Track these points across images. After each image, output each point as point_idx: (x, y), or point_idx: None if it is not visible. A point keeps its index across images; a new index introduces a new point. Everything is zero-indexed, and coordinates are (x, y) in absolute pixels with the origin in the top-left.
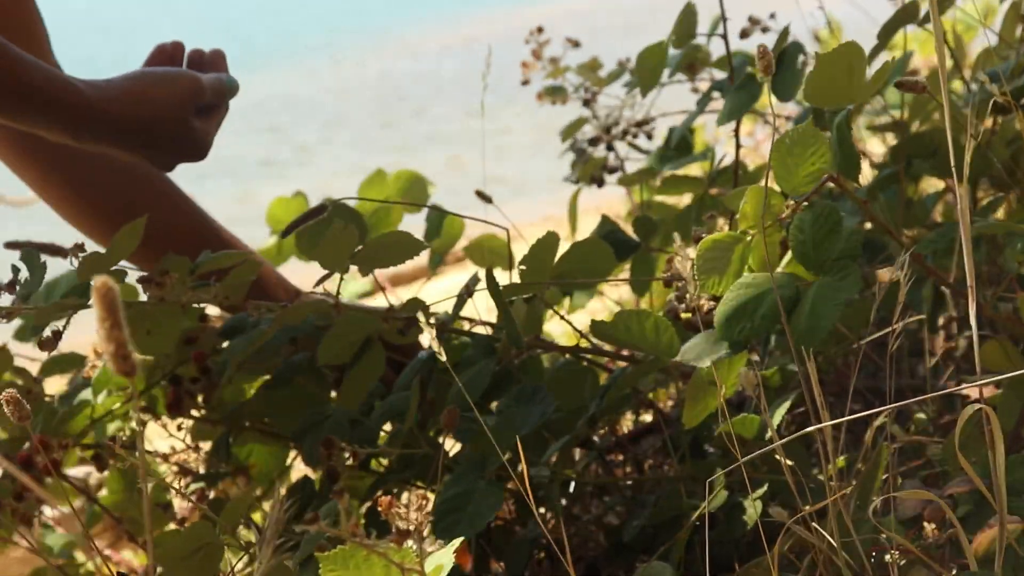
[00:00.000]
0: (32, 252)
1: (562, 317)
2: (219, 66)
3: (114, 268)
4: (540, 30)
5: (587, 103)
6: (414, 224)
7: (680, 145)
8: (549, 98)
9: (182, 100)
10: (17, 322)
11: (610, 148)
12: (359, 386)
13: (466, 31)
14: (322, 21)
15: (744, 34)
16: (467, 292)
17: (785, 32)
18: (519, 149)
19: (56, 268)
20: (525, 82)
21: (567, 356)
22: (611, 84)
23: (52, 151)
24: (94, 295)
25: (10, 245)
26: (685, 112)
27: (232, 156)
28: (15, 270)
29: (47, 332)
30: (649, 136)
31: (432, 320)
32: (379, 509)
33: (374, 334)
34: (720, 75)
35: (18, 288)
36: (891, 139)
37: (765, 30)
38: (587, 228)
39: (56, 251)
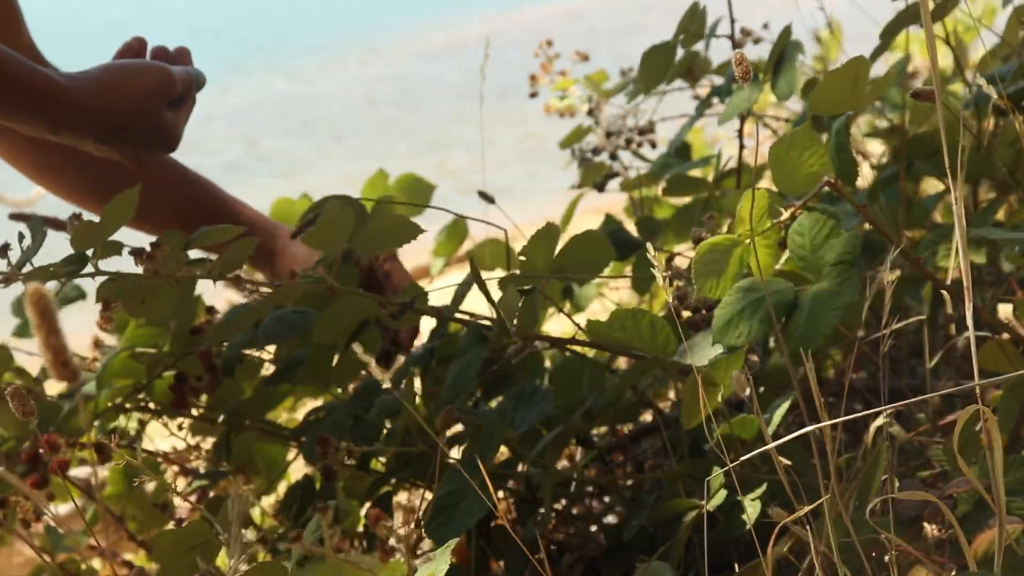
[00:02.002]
0: (37, 222)
1: (560, 310)
2: (185, 62)
3: (110, 240)
4: (550, 43)
5: (591, 112)
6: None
7: (679, 151)
8: (557, 110)
9: (155, 91)
10: (16, 321)
11: (613, 157)
12: (352, 368)
13: (457, 33)
14: (310, 25)
15: (737, 45)
16: (465, 288)
17: (787, 31)
18: (508, 157)
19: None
20: (533, 95)
21: (567, 353)
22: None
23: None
24: (27, 303)
25: (15, 216)
26: (686, 116)
27: (217, 164)
28: (20, 236)
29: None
30: (653, 144)
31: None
32: (367, 523)
33: (370, 317)
34: (720, 80)
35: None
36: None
37: (757, 41)
38: (585, 228)
39: (58, 225)
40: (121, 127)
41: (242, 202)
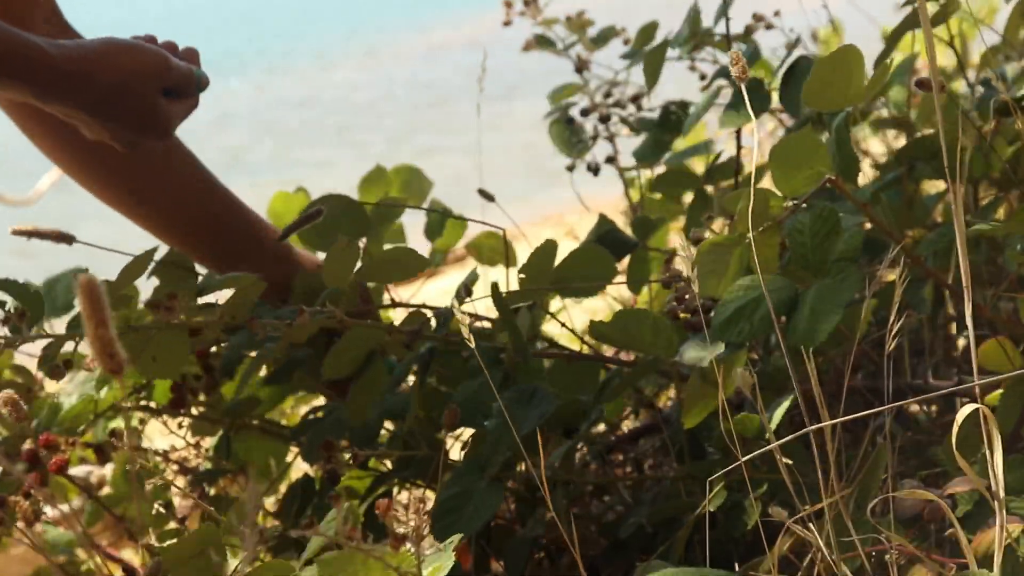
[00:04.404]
0: (15, 283)
1: (563, 325)
2: (192, 62)
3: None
4: None
5: (579, 70)
6: (415, 220)
7: (675, 126)
8: (537, 48)
9: (148, 72)
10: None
11: (604, 119)
12: (364, 398)
13: (455, 35)
14: (309, 27)
15: (749, 31)
16: (464, 292)
17: (795, 43)
18: (508, 158)
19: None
20: (507, 23)
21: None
22: (602, 52)
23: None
24: (78, 293)
25: (18, 232)
26: (683, 100)
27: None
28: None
29: (58, 361)
30: (639, 108)
31: (431, 319)
32: (377, 512)
33: (377, 348)
34: (725, 58)
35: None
36: (893, 138)
37: (769, 27)
38: (587, 226)
39: (62, 238)
40: (109, 102)
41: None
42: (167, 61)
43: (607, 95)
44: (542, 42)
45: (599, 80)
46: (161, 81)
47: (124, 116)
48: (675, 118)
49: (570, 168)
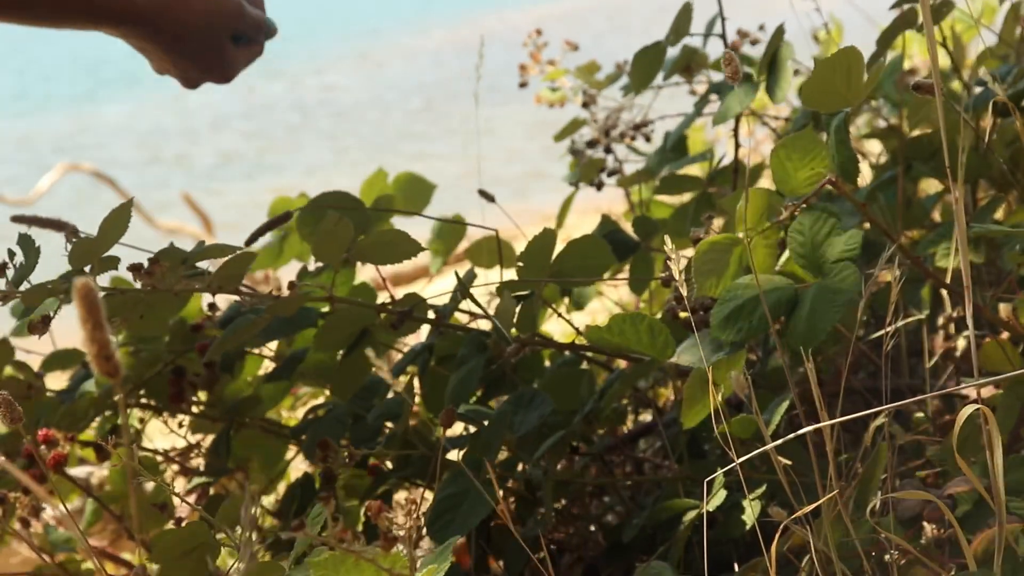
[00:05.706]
0: (28, 237)
1: (560, 315)
2: (258, 7)
3: (107, 255)
4: (539, 32)
5: (586, 105)
6: (413, 225)
7: (677, 147)
8: (548, 101)
9: (222, 17)
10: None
11: (608, 151)
12: (352, 377)
13: (454, 35)
14: (307, 28)
15: (734, 47)
16: (462, 290)
17: (779, 32)
18: (507, 157)
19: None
20: (523, 84)
21: (566, 354)
22: (609, 87)
23: None
24: (75, 297)
25: (17, 219)
26: (683, 115)
27: (205, 167)
28: (11, 254)
29: (37, 315)
30: (647, 138)
31: (430, 313)
32: (368, 514)
33: (369, 327)
34: (718, 76)
35: (12, 272)
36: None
37: (755, 43)
38: (587, 228)
39: (60, 227)
40: (183, 42)
41: None
42: (242, 8)
43: (612, 126)
44: (551, 95)
45: (605, 110)
46: (234, 26)
47: (194, 56)
48: (676, 141)
49: (574, 184)
